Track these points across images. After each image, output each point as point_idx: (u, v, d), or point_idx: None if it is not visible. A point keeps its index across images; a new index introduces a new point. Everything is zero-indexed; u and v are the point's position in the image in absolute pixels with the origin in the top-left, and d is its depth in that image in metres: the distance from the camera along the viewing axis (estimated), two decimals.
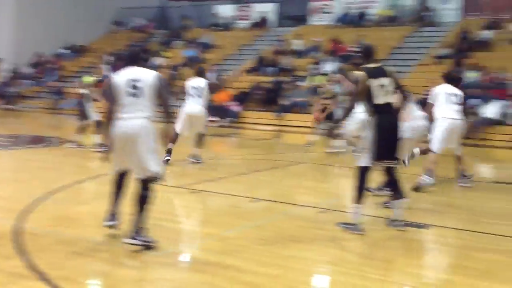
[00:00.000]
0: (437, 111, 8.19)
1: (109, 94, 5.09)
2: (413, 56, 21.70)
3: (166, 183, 7.06)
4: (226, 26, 28.74)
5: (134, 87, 4.94)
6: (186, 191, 7.77)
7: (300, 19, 28.86)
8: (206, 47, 26.47)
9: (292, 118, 19.23)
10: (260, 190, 8.17)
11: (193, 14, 30.60)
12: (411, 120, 7.39)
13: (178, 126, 9.73)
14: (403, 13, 24.77)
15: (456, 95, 8.34)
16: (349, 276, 4.57)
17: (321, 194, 8.25)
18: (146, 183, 4.99)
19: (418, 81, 18.51)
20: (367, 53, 5.97)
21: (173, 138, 9.59)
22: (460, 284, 4.56)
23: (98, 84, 11.63)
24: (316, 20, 27.29)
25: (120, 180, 5.33)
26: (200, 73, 10.12)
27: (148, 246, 4.90)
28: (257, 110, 20.41)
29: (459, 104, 8.32)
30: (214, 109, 21.22)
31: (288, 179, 9.41)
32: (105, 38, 30.35)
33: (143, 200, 4.98)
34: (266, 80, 21.62)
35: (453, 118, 8.23)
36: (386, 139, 5.72)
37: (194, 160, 9.91)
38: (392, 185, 5.99)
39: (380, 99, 5.74)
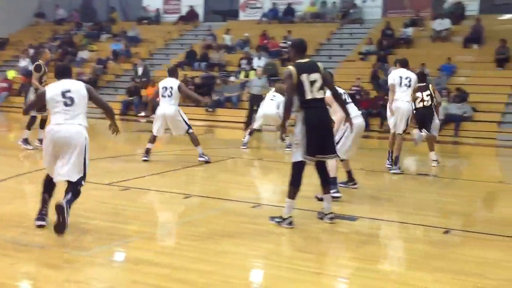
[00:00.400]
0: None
1: (35, 104, 6.07)
2: (340, 52, 22.16)
3: (96, 180, 6.89)
4: (154, 20, 28.30)
5: (66, 97, 5.40)
6: (116, 188, 7.59)
7: (229, 14, 28.83)
8: (133, 40, 25.96)
9: (224, 114, 19.22)
10: (193, 186, 8.10)
11: (120, 7, 29.93)
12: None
13: (155, 128, 9.91)
14: (329, 10, 25.26)
15: (408, 78, 9.49)
16: (282, 270, 4.60)
17: (253, 189, 8.29)
18: (74, 185, 5.32)
19: (345, 76, 18.96)
20: (299, 48, 5.99)
21: (151, 139, 9.91)
22: (390, 273, 4.70)
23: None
24: (245, 15, 27.38)
25: (51, 181, 5.52)
26: (171, 73, 10.14)
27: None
28: (187, 106, 20.22)
29: (410, 86, 9.49)
30: (143, 105, 20.92)
31: (221, 174, 9.38)
32: (26, 30, 29.11)
33: (70, 199, 5.24)
34: (196, 75, 21.48)
35: (400, 100, 9.43)
36: (316, 134, 5.76)
37: (202, 159, 9.92)
38: (322, 180, 6.08)
39: (310, 95, 5.78)
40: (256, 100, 15.70)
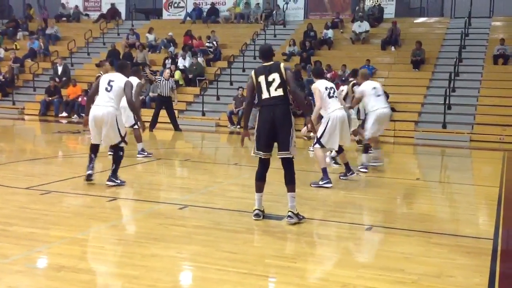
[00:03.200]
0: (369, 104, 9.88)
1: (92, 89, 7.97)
2: None
3: (14, 184, 6.60)
4: (73, 17, 27.46)
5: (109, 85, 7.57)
6: (36, 192, 7.30)
7: (152, 13, 28.45)
8: (53, 38, 25.08)
9: (149, 114, 18.87)
10: (117, 189, 7.91)
11: (37, 4, 28.83)
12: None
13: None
14: (253, 11, 25.44)
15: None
16: (210, 272, 4.58)
17: (180, 190, 8.21)
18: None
19: None
20: (261, 54, 6.37)
21: (139, 137, 10.37)
22: (315, 271, 4.80)
23: None
24: (169, 14, 27.11)
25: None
26: (135, 73, 10.33)
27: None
28: None
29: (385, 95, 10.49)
30: (64, 105, 20.26)
31: (146, 176, 9.23)
32: None
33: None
34: None
35: (380, 108, 9.86)
36: (265, 131, 6.05)
37: (141, 154, 10.42)
38: (285, 178, 6.17)
39: (266, 94, 6.06)
40: (164, 101, 15.90)
